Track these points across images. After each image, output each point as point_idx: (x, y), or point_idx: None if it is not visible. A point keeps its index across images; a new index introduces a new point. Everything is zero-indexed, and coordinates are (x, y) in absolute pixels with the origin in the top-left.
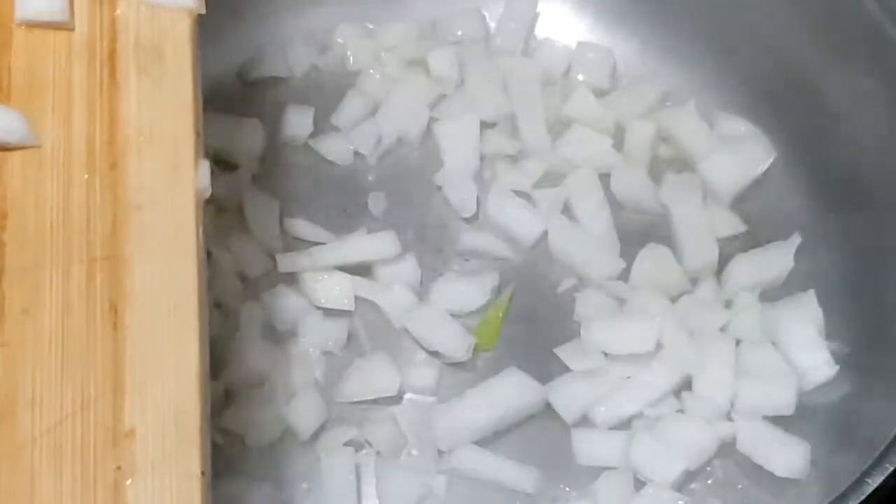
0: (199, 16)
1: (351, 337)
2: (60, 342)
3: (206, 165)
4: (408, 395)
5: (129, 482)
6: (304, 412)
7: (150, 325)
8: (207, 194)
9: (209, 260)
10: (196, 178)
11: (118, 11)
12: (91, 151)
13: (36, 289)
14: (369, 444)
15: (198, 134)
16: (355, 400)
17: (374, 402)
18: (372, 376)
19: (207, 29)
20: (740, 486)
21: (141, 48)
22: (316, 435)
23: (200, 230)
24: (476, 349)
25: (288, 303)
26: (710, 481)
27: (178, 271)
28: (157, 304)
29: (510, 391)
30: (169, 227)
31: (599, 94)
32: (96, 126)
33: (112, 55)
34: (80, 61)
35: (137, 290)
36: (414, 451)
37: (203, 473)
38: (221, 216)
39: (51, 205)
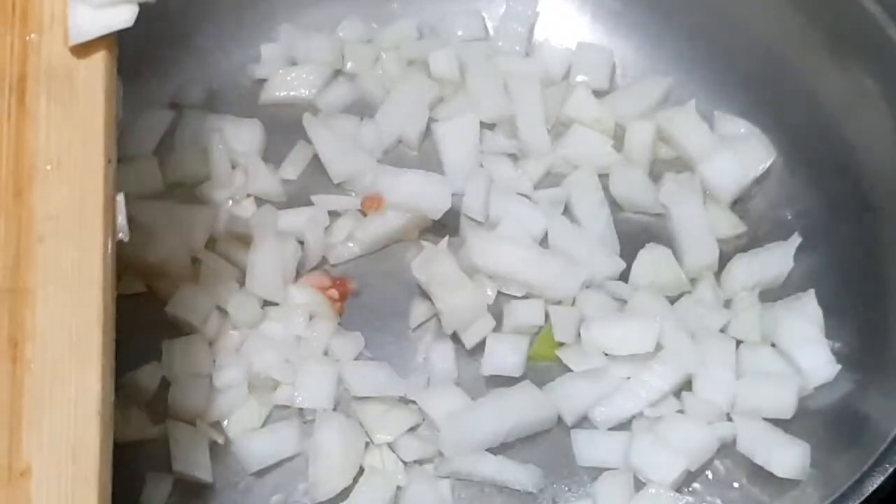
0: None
1: (355, 338)
2: None
3: (120, 198)
4: (412, 398)
5: None
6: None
7: (50, 359)
8: (124, 228)
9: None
10: (103, 208)
11: (30, 36)
12: None
13: None
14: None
15: (109, 161)
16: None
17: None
18: (375, 378)
19: (208, 29)
20: (740, 487)
21: (52, 74)
22: None
23: (110, 262)
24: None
25: (291, 304)
26: (710, 481)
27: (82, 304)
28: (59, 338)
29: (521, 406)
30: (74, 259)
31: (599, 94)
32: (2, 154)
33: (22, 80)
34: None
35: (39, 324)
36: (417, 454)
37: None
38: None
39: None
